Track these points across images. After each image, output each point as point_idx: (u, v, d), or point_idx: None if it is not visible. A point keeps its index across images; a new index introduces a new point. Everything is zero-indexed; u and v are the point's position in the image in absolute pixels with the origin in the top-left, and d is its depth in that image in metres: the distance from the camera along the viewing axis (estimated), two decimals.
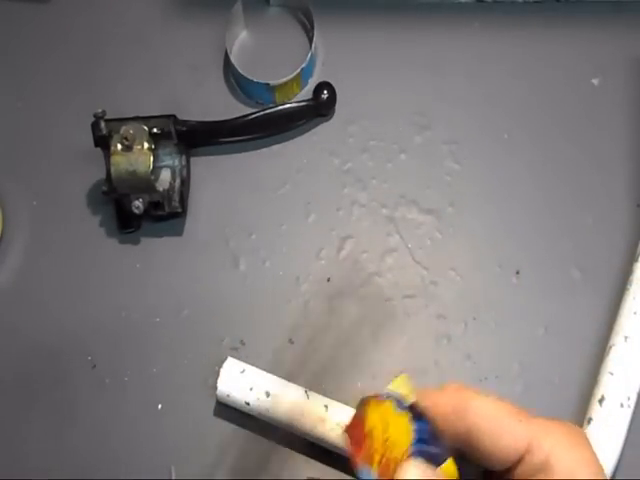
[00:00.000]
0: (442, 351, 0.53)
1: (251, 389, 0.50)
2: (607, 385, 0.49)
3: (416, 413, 0.33)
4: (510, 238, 0.56)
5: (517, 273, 0.55)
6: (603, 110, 0.59)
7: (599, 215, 0.56)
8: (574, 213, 0.56)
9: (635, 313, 0.50)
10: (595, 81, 0.60)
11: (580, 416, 0.50)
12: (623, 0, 0.61)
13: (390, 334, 0.54)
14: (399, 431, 0.33)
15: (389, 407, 0.34)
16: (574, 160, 0.58)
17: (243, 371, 0.51)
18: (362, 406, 0.35)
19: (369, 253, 0.56)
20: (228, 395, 0.50)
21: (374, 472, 0.33)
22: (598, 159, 0.58)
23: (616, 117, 0.58)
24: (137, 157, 0.54)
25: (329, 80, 0.59)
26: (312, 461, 0.51)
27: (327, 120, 0.60)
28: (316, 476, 0.51)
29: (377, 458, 0.33)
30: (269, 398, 0.50)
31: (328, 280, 0.56)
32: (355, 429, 0.34)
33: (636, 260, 0.52)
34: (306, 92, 0.60)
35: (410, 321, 0.54)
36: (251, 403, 0.50)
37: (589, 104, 0.59)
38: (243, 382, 0.50)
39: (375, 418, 0.34)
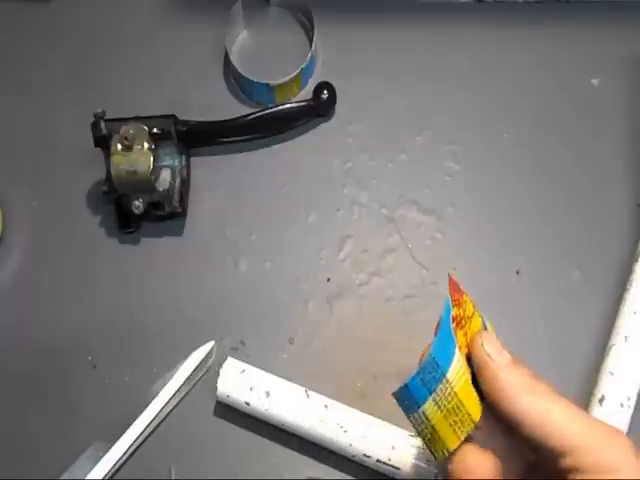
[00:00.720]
0: None
1: (251, 389, 0.50)
2: (607, 385, 0.49)
3: None
4: (510, 238, 0.56)
5: (517, 273, 0.55)
6: (603, 110, 0.59)
7: (599, 215, 0.56)
8: (574, 213, 0.56)
9: (635, 313, 0.50)
10: (595, 81, 0.60)
11: None
12: (623, 0, 0.61)
13: (390, 334, 0.54)
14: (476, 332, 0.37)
15: (479, 316, 0.38)
16: (574, 160, 0.58)
17: (243, 371, 0.51)
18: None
19: (369, 253, 0.56)
20: (228, 395, 0.50)
21: (454, 312, 0.37)
22: (598, 159, 0.58)
23: (616, 117, 0.58)
24: (137, 157, 0.54)
25: (329, 80, 0.59)
26: (312, 461, 0.51)
27: (327, 120, 0.60)
28: (316, 476, 0.51)
29: (459, 311, 0.37)
30: (269, 398, 0.50)
31: (328, 280, 0.56)
32: (456, 287, 0.38)
33: (636, 260, 0.52)
34: (306, 92, 0.60)
35: (410, 321, 0.54)
36: (251, 403, 0.50)
37: (589, 104, 0.59)
38: (243, 382, 0.50)
39: (470, 304, 0.38)
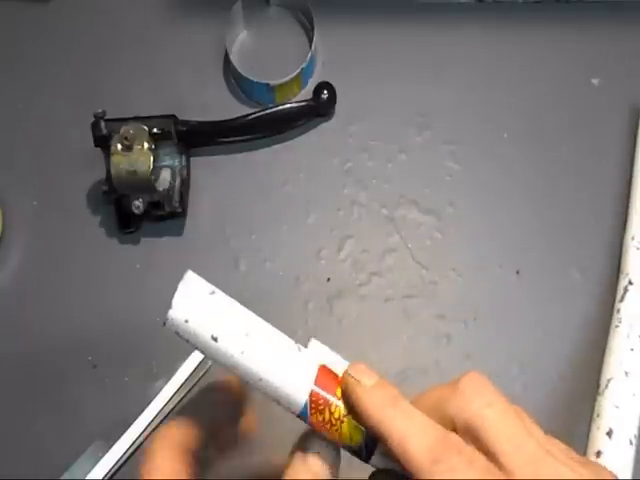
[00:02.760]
0: (442, 351, 0.53)
1: (223, 319, 0.35)
2: (613, 419, 0.48)
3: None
4: (510, 238, 0.56)
5: (517, 273, 0.55)
6: (603, 110, 0.59)
7: (599, 215, 0.56)
8: (574, 213, 0.56)
9: (632, 350, 0.49)
10: (595, 81, 0.60)
11: (579, 414, 0.50)
12: (623, 0, 0.61)
13: (390, 334, 0.54)
14: (350, 431, 0.34)
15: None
16: (574, 160, 0.58)
17: (213, 293, 0.37)
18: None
19: (369, 253, 0.56)
20: (187, 320, 0.35)
21: (310, 418, 0.34)
22: (598, 159, 0.58)
23: (616, 117, 0.58)
24: (137, 157, 0.54)
25: (329, 80, 0.59)
26: None
27: (327, 120, 0.60)
28: None
29: (325, 416, 0.34)
30: (248, 338, 0.35)
31: (328, 280, 0.56)
32: (330, 379, 0.35)
33: (621, 300, 0.52)
34: (306, 92, 0.60)
35: (410, 321, 0.54)
36: (220, 339, 0.34)
37: (589, 104, 0.59)
38: (212, 307, 0.36)
39: (341, 406, 0.35)
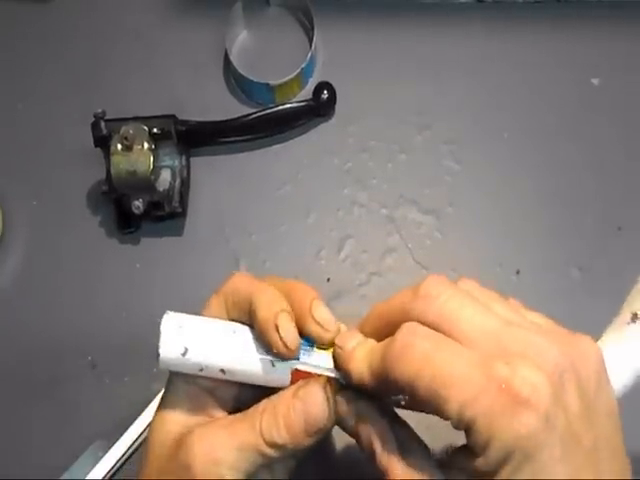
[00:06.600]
0: None
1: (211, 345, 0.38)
2: None
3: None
4: (510, 238, 0.56)
5: (517, 273, 0.55)
6: (603, 110, 0.59)
7: (599, 215, 0.56)
8: (574, 213, 0.56)
9: None
10: (595, 81, 0.60)
11: None
12: (623, 0, 0.61)
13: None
14: None
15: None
16: (574, 160, 0.58)
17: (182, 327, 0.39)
18: None
19: (369, 253, 0.56)
20: (184, 353, 0.38)
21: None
22: (598, 159, 0.58)
23: (616, 117, 0.58)
24: (137, 157, 0.54)
25: (329, 80, 0.59)
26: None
27: (327, 120, 0.60)
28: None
29: None
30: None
31: (328, 280, 0.56)
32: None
33: None
34: (306, 92, 0.60)
35: None
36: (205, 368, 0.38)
37: (589, 104, 0.59)
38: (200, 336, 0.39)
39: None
